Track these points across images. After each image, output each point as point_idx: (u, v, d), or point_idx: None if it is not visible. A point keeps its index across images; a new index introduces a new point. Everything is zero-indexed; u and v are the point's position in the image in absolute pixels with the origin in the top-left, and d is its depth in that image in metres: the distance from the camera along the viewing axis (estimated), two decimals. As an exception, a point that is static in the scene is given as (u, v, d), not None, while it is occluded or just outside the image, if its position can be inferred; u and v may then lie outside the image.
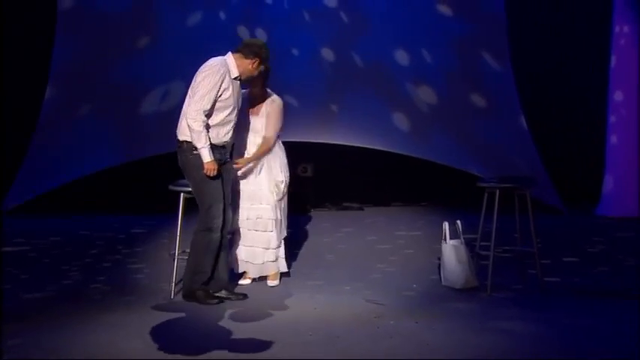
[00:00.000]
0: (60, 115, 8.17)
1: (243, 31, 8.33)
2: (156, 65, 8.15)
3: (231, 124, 4.81)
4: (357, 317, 4.58)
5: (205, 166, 4.68)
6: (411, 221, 7.73)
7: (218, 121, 4.74)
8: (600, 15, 8.13)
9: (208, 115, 4.67)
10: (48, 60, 8.20)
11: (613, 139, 7.90)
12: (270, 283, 5.31)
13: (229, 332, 4.33)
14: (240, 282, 5.32)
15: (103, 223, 7.60)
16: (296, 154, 8.61)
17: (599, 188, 7.97)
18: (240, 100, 4.89)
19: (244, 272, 5.35)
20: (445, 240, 5.27)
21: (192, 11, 8.36)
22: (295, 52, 8.36)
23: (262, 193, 5.19)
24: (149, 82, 8.21)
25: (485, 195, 5.16)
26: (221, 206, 4.78)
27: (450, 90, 8.38)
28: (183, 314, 4.66)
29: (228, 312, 4.70)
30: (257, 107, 5.22)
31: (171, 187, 5.10)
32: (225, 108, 4.72)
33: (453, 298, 4.99)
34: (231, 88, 4.72)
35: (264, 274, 5.32)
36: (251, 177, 5.20)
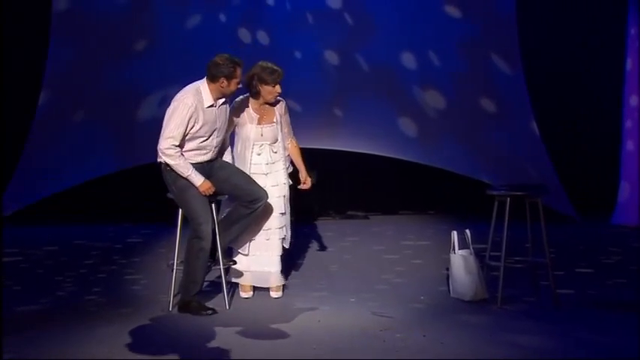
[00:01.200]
0: (54, 121, 8.08)
1: (244, 34, 8.24)
2: (153, 69, 8.07)
3: (208, 148, 4.86)
4: (362, 330, 4.49)
5: (200, 190, 4.77)
6: (418, 230, 7.67)
7: (193, 147, 4.82)
8: (615, 17, 8.00)
9: (181, 145, 4.76)
10: (42, 63, 8.09)
11: (629, 144, 7.76)
12: (274, 294, 5.20)
13: (230, 346, 4.23)
14: (243, 295, 5.20)
15: (98, 232, 7.54)
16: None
17: (615, 196, 7.83)
18: (220, 122, 4.87)
19: (243, 285, 5.22)
20: (454, 250, 5.18)
21: (192, 13, 8.26)
22: (298, 55, 8.27)
23: (271, 201, 5.08)
24: (146, 87, 8.14)
25: (496, 203, 5.07)
26: (204, 211, 4.78)
27: (459, 94, 8.29)
28: (181, 327, 4.57)
29: (228, 325, 4.60)
30: (266, 117, 5.13)
31: (169, 195, 5.03)
32: (199, 137, 4.79)
33: (463, 311, 4.90)
34: (202, 119, 4.75)
35: (267, 285, 5.20)
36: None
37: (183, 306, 4.83)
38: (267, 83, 5.02)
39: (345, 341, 4.28)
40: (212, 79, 4.77)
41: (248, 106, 5.12)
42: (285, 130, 5.23)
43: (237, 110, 5.11)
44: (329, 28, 8.33)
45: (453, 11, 8.39)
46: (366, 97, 8.26)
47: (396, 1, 8.34)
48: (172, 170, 4.80)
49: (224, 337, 4.37)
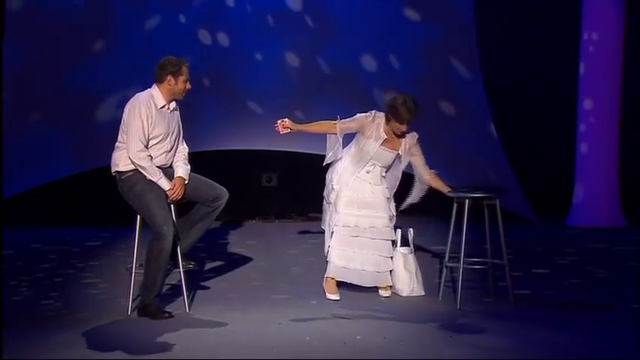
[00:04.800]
0: (10, 122, 7.90)
1: (204, 35, 8.17)
2: (112, 70, 7.96)
3: (163, 150, 4.87)
4: (323, 333, 4.48)
5: (168, 194, 4.80)
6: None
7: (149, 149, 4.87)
8: (569, 22, 8.14)
9: (147, 145, 4.82)
10: (-3, 63, 7.96)
11: (583, 147, 7.89)
12: (385, 293, 5.27)
13: (189, 350, 4.19)
14: (331, 297, 5.19)
15: (55, 235, 7.43)
16: (260, 163, 8.57)
17: (570, 198, 7.95)
18: (173, 126, 4.90)
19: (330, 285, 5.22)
20: (395, 247, 5.31)
21: (151, 14, 8.16)
22: (258, 56, 8.23)
23: (378, 202, 5.20)
24: (105, 88, 8.02)
25: (455, 205, 5.08)
26: (164, 213, 4.77)
27: (419, 97, 8.26)
28: (140, 331, 4.51)
29: (187, 328, 4.56)
30: (392, 144, 5.21)
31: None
32: (154, 138, 4.82)
33: (423, 312, 4.92)
34: (156, 120, 4.80)
35: (380, 285, 5.26)
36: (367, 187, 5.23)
37: (142, 309, 4.80)
38: (397, 120, 5.09)
39: (305, 344, 4.26)
40: (160, 80, 4.83)
41: (381, 124, 5.17)
42: (419, 161, 5.25)
43: (370, 122, 5.17)
44: (289, 30, 8.32)
45: (412, 15, 8.44)
46: (326, 99, 8.24)
47: (356, 5, 8.35)
48: (127, 179, 4.80)
49: (183, 341, 4.32)
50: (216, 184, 4.97)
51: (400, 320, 4.74)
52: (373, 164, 5.23)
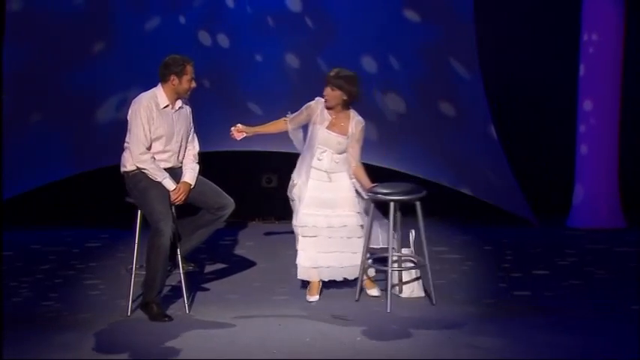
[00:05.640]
0: (9, 123, 7.88)
1: (204, 36, 8.15)
2: (112, 71, 7.93)
3: (169, 152, 4.88)
4: (323, 333, 4.50)
5: (172, 195, 4.79)
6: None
7: (154, 150, 4.88)
8: (569, 23, 8.13)
9: (149, 147, 4.83)
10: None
11: (583, 149, 7.87)
12: (374, 292, 5.26)
13: (188, 351, 4.21)
14: (310, 299, 5.20)
15: (55, 236, 7.40)
16: (260, 164, 8.56)
17: (570, 199, 7.94)
18: (180, 126, 4.90)
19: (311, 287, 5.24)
20: (395, 248, 5.29)
21: (151, 15, 8.14)
22: (259, 58, 8.21)
23: (343, 199, 5.16)
24: (105, 89, 7.99)
25: (417, 205, 5.08)
26: (163, 210, 4.77)
27: (419, 98, 8.33)
28: (140, 332, 4.52)
29: (187, 329, 4.56)
30: (339, 126, 5.18)
31: (127, 200, 4.98)
32: (158, 139, 4.83)
33: (421, 313, 4.92)
34: (158, 120, 4.81)
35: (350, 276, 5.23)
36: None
37: (144, 306, 4.80)
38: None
39: (305, 345, 4.26)
40: (164, 80, 4.83)
41: (325, 107, 5.17)
42: (353, 151, 5.21)
43: (315, 107, 5.18)
44: (289, 31, 8.28)
45: (412, 16, 8.42)
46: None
47: (356, 6, 8.33)
48: (132, 176, 4.78)
49: (183, 342, 4.33)
50: (224, 194, 4.97)
51: (400, 321, 4.74)
52: (324, 150, 5.17)
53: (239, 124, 5.22)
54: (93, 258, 6.49)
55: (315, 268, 5.19)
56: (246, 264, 6.23)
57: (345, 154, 5.22)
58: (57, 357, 4.06)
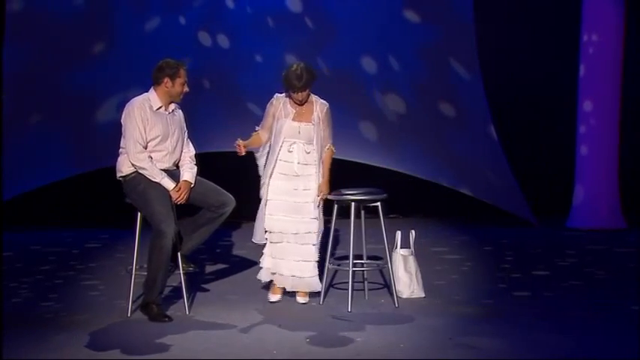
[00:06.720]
0: (8, 124, 7.89)
1: (204, 37, 8.17)
2: (112, 71, 7.95)
3: (164, 151, 4.87)
4: (323, 334, 4.49)
5: (172, 195, 4.79)
6: (379, 233, 7.64)
7: (150, 150, 4.87)
8: (569, 24, 8.14)
9: (146, 147, 4.83)
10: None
11: (583, 149, 7.88)
12: (302, 299, 5.17)
13: (188, 351, 4.19)
14: (272, 298, 5.17)
15: (55, 237, 7.41)
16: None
17: (570, 200, 7.95)
18: (174, 128, 4.90)
19: (274, 288, 5.19)
20: (396, 249, 5.33)
21: (151, 15, 8.15)
22: (259, 58, 8.23)
23: (303, 206, 5.08)
24: (105, 90, 8.01)
25: (379, 206, 5.11)
26: (164, 211, 4.76)
27: (419, 99, 8.34)
28: (139, 332, 4.51)
29: (187, 329, 4.56)
30: (304, 115, 5.08)
31: (127, 200, 4.97)
32: (153, 139, 4.83)
33: (422, 314, 4.92)
34: (152, 121, 4.82)
35: (304, 290, 5.15)
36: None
37: (144, 306, 4.80)
38: (290, 89, 4.99)
39: (305, 345, 4.27)
40: (157, 82, 4.84)
41: (287, 101, 5.09)
42: (324, 135, 5.13)
43: (276, 104, 5.10)
44: (289, 31, 8.31)
45: (412, 16, 8.44)
46: (326, 101, 8.22)
47: (356, 6, 8.35)
48: (130, 180, 4.80)
49: (183, 342, 4.32)
50: (224, 191, 4.97)
51: (400, 322, 4.74)
52: (293, 142, 5.08)
53: (240, 140, 5.17)
54: (93, 259, 6.49)
55: (275, 273, 5.15)
56: (246, 264, 6.22)
57: (314, 144, 5.10)
58: (56, 357, 4.06)
